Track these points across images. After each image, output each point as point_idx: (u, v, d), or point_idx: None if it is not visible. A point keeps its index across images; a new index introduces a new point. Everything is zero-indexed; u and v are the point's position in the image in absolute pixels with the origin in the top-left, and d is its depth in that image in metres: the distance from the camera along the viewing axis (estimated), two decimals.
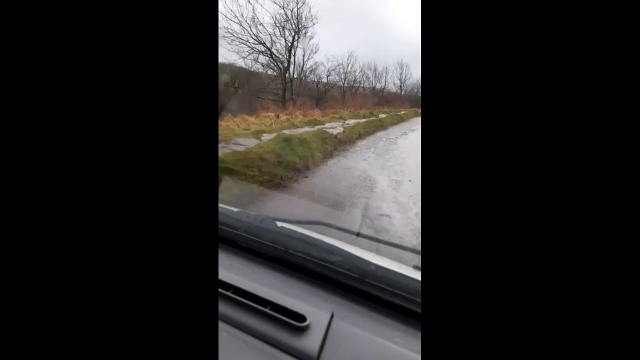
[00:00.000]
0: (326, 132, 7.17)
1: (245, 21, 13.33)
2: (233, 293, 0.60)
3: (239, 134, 5.72)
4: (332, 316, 0.59)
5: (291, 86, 14.55)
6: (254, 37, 13.50)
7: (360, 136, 8.40)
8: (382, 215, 3.36)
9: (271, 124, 8.06)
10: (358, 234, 1.06)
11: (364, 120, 11.00)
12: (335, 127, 8.35)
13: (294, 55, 14.60)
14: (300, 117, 9.92)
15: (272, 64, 14.65)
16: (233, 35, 13.08)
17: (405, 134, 10.06)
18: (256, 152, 4.52)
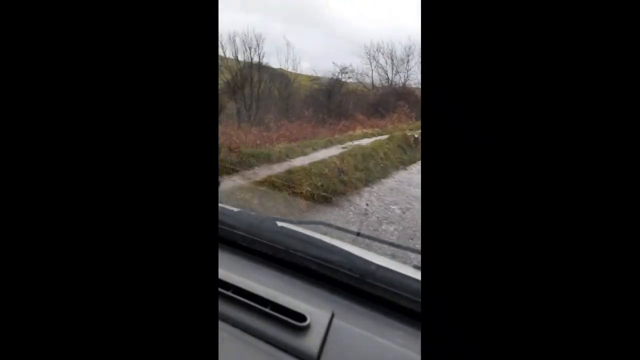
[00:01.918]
0: None
1: None
2: (233, 293, 0.59)
3: None
4: (332, 316, 0.59)
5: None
6: None
7: None
8: None
9: None
10: (358, 234, 1.06)
11: None
12: None
13: None
14: None
15: None
16: None
17: None
18: None
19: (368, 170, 5.44)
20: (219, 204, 0.84)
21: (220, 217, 0.77)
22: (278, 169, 4.69)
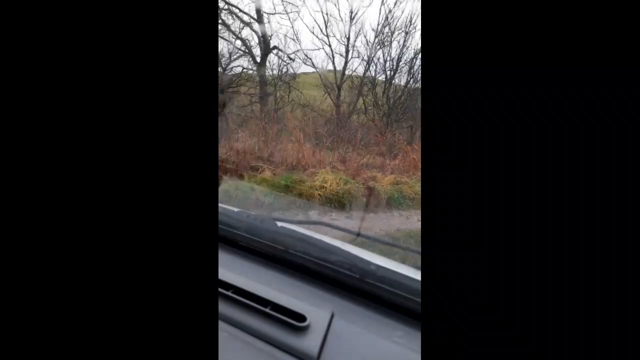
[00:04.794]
0: None
1: None
2: (233, 293, 0.60)
3: None
4: (332, 316, 0.59)
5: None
6: None
7: None
8: None
9: None
10: (358, 234, 1.06)
11: None
12: None
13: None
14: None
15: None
16: None
17: None
18: None
19: None
20: (219, 204, 0.84)
21: (220, 217, 0.77)
22: None
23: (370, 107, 6.89)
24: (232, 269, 0.66)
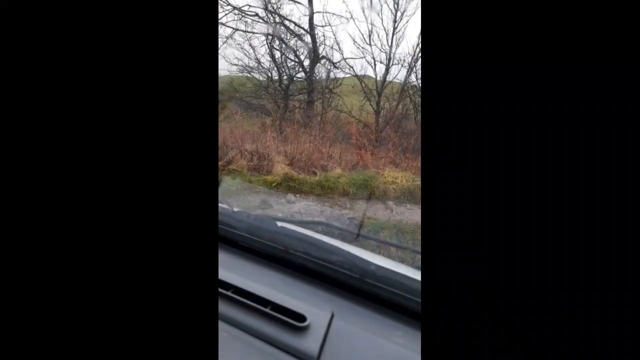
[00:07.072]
0: None
1: None
2: (233, 293, 0.60)
3: None
4: (332, 316, 0.59)
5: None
6: None
7: None
8: None
9: None
10: (358, 234, 1.06)
11: None
12: None
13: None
14: None
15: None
16: None
17: None
18: None
19: None
20: (219, 204, 0.84)
21: (220, 217, 0.77)
22: None
23: (417, 113, 6.90)
24: (232, 269, 0.66)
